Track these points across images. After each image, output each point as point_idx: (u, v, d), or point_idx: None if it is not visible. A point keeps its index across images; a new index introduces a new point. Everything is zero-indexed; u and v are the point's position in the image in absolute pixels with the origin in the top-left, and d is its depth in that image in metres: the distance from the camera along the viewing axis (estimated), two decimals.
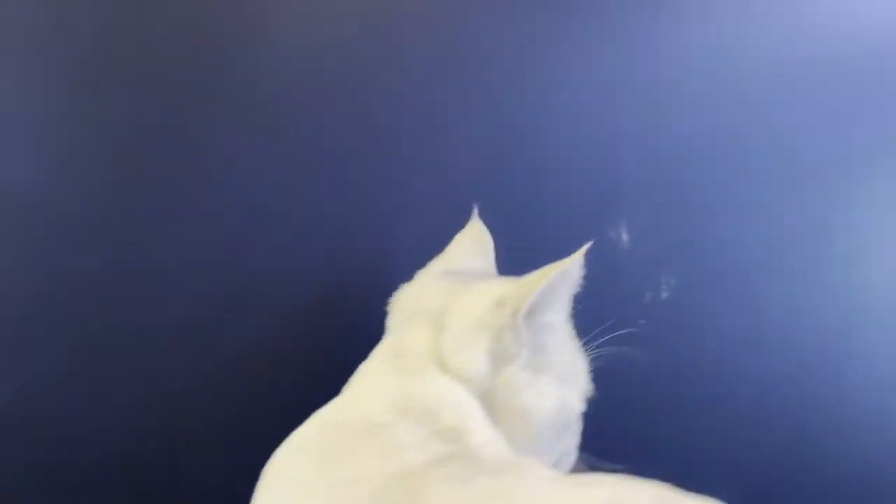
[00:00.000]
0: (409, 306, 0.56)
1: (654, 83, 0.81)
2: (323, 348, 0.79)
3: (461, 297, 0.53)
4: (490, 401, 0.49)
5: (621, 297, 0.81)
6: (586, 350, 0.57)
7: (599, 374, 0.59)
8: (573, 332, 0.57)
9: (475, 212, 0.67)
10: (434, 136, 0.81)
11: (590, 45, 0.81)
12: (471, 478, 0.41)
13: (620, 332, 0.58)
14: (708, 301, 0.80)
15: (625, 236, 0.81)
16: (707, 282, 0.80)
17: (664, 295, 0.80)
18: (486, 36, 0.80)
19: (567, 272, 0.51)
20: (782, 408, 0.79)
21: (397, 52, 0.79)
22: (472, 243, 0.63)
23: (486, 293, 0.52)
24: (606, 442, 0.76)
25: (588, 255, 0.80)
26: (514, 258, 0.77)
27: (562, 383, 0.53)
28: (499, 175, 0.83)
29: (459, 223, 0.69)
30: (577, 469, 0.61)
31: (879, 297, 0.79)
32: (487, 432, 0.47)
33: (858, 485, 0.78)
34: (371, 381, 0.52)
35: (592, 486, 0.40)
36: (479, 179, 0.83)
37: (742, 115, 0.80)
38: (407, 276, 0.61)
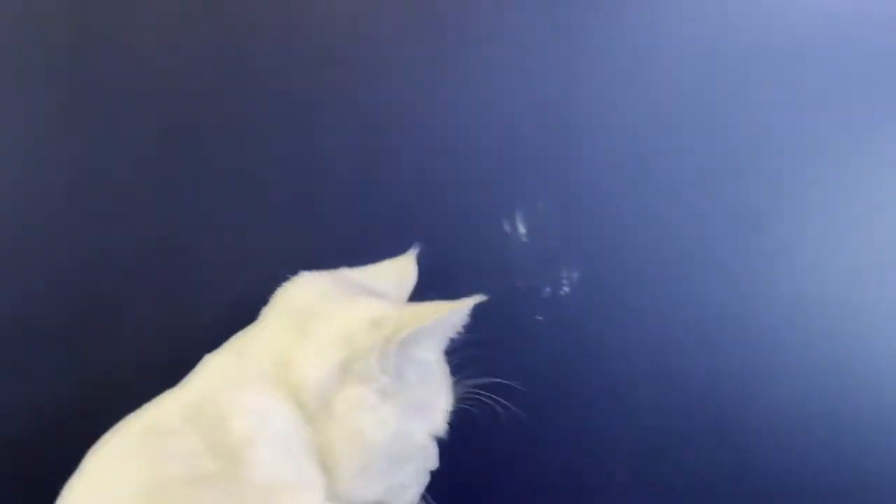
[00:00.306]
0: (288, 301, 0.54)
1: (552, 72, 0.77)
2: None
3: (338, 307, 0.52)
4: (326, 416, 0.49)
5: (519, 292, 0.77)
6: (458, 386, 0.57)
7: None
8: (445, 368, 0.56)
9: (414, 249, 0.65)
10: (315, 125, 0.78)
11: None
12: None
13: (501, 380, 0.57)
14: (612, 297, 0.77)
15: (522, 229, 0.77)
16: (611, 277, 0.77)
17: (565, 290, 0.76)
18: (362, 26, 0.77)
19: (454, 314, 0.50)
20: (686, 404, 0.76)
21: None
22: (396, 274, 0.62)
23: (365, 309, 0.51)
24: (505, 442, 0.74)
25: (483, 248, 0.78)
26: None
27: (410, 416, 0.52)
28: (389, 165, 0.79)
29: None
30: None
31: (794, 292, 0.77)
32: (278, 449, 0.47)
33: (770, 480, 0.76)
34: (191, 379, 0.51)
35: None
36: (368, 168, 0.79)
37: (646, 105, 0.76)
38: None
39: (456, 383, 0.58)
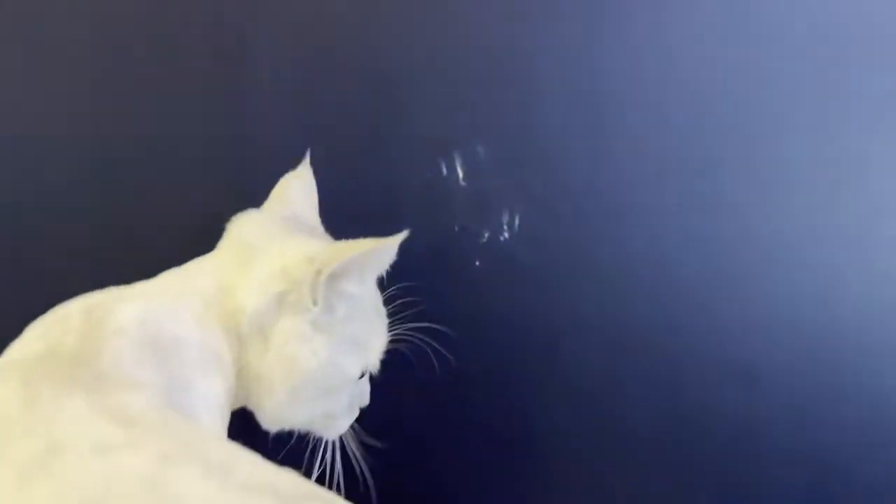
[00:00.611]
0: (235, 235, 0.57)
1: (495, 14, 0.75)
2: None
3: (279, 244, 0.55)
4: (262, 344, 0.53)
5: (457, 236, 0.76)
6: (392, 326, 0.60)
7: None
8: (379, 307, 0.59)
9: (307, 157, 0.66)
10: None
11: None
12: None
13: (433, 325, 0.61)
14: (551, 243, 0.75)
15: (460, 172, 0.76)
16: (550, 223, 0.75)
17: (504, 236, 0.75)
18: None
19: (379, 251, 0.53)
20: (625, 347, 0.76)
21: None
22: (301, 189, 0.64)
23: (301, 247, 0.55)
24: (438, 384, 0.74)
25: (421, 191, 0.77)
26: (345, 193, 0.72)
27: (342, 350, 0.55)
28: (329, 107, 0.78)
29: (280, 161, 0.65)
30: (345, 438, 0.63)
31: (739, 226, 0.75)
32: (142, 350, 0.48)
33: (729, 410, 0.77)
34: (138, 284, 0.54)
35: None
36: (311, 110, 0.78)
37: (591, 46, 0.74)
38: None
39: (391, 325, 0.60)
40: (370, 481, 0.68)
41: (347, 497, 0.64)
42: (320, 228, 0.65)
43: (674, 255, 0.75)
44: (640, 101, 0.74)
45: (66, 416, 0.41)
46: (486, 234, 0.76)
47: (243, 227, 0.57)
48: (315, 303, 0.52)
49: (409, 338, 0.61)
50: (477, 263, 0.76)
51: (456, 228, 0.76)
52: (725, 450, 0.75)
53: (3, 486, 0.37)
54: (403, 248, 0.68)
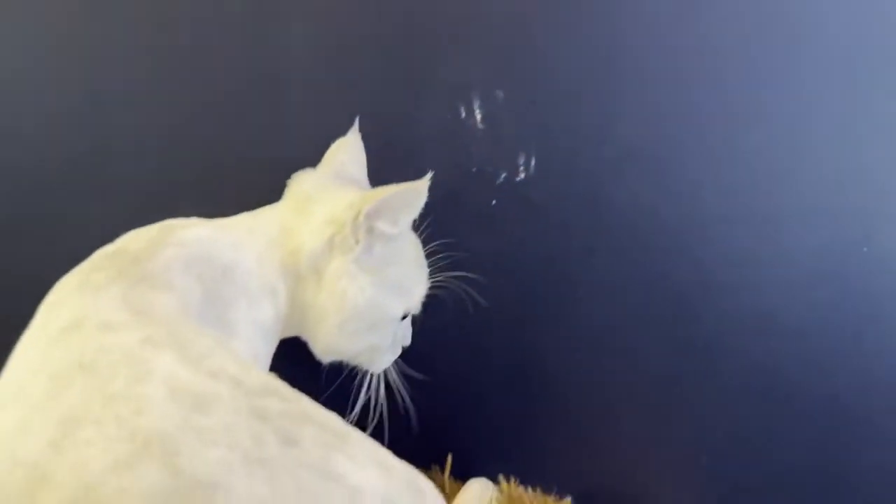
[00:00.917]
0: (295, 189, 0.66)
1: None
2: None
3: (331, 195, 0.64)
4: (318, 280, 0.61)
5: (474, 177, 0.79)
6: (432, 274, 0.69)
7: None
8: (420, 259, 0.68)
9: (356, 123, 0.74)
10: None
11: None
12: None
13: (469, 275, 0.70)
14: (567, 183, 0.78)
15: (478, 115, 0.78)
16: (566, 163, 0.78)
17: (521, 176, 0.79)
18: None
19: (408, 192, 0.60)
20: (642, 282, 0.79)
21: None
22: (349, 151, 0.72)
23: (346, 196, 0.63)
24: (457, 323, 0.79)
25: (441, 135, 0.79)
26: (365, 137, 0.75)
27: (387, 291, 0.63)
28: (349, 51, 0.79)
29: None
30: (387, 373, 0.71)
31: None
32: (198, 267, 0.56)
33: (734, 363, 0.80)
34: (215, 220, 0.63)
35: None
36: (333, 54, 0.79)
37: None
38: None
39: (431, 274, 0.70)
40: (411, 408, 0.75)
41: (391, 421, 0.71)
42: (367, 185, 0.73)
43: (688, 195, 0.77)
44: (656, 43, 0.75)
45: (100, 300, 0.50)
46: (503, 175, 0.79)
47: (302, 182, 0.66)
48: (357, 241, 0.60)
49: (446, 285, 0.70)
50: (493, 203, 0.80)
51: (473, 169, 0.79)
52: (739, 389, 0.78)
53: (37, 348, 0.48)
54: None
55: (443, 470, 0.81)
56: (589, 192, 0.79)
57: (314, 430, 0.45)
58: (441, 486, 0.76)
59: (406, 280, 0.66)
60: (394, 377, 0.72)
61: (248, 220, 0.63)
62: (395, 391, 0.73)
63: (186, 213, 0.63)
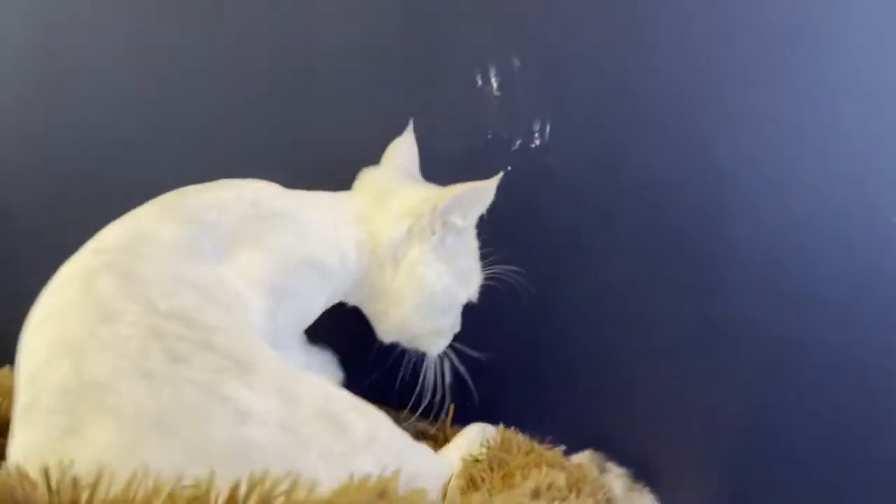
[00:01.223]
0: (366, 183, 0.72)
1: None
2: None
3: (405, 189, 0.70)
4: (394, 268, 0.68)
5: (490, 142, 0.81)
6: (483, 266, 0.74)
7: None
8: (477, 253, 0.73)
9: (410, 125, 0.77)
10: None
11: None
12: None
13: (513, 268, 0.73)
14: (581, 149, 0.79)
15: (494, 83, 0.80)
16: (581, 130, 0.79)
17: (536, 143, 0.80)
18: None
19: (478, 189, 0.66)
20: (662, 244, 0.79)
21: None
22: (405, 151, 0.77)
23: (420, 191, 0.70)
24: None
25: (457, 103, 0.81)
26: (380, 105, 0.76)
27: (458, 279, 0.70)
28: (369, 16, 0.82)
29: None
30: (441, 355, 0.74)
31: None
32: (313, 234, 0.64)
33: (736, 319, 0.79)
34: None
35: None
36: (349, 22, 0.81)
37: None
38: None
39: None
40: (472, 386, 0.78)
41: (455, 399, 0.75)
42: (422, 180, 0.77)
43: (705, 160, 0.77)
44: (675, 10, 0.76)
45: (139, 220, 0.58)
46: (518, 142, 0.80)
47: (374, 177, 0.73)
48: (433, 232, 0.67)
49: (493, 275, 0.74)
50: (508, 168, 0.81)
51: (489, 136, 0.80)
52: (758, 359, 0.78)
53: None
54: (437, 155, 0.77)
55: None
56: (604, 159, 0.80)
57: (212, 357, 0.49)
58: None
59: (469, 270, 0.72)
60: (453, 359, 0.77)
61: (326, 197, 0.69)
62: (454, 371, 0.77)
63: None
